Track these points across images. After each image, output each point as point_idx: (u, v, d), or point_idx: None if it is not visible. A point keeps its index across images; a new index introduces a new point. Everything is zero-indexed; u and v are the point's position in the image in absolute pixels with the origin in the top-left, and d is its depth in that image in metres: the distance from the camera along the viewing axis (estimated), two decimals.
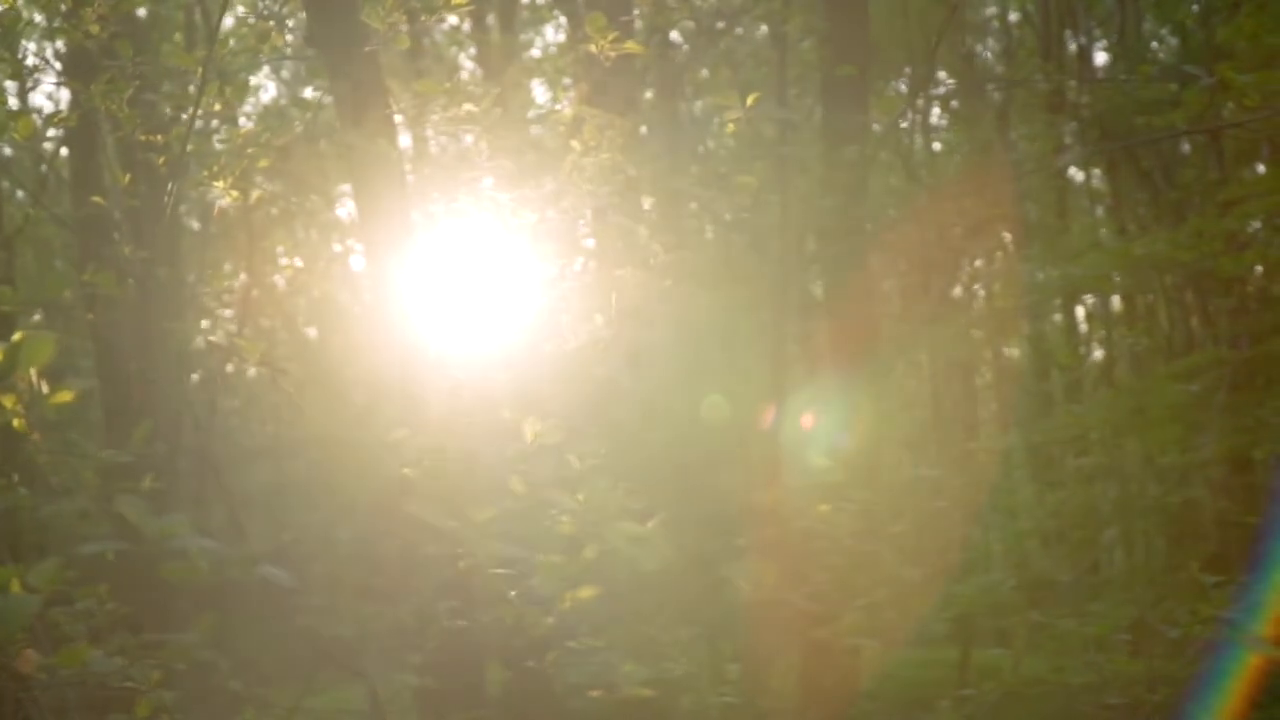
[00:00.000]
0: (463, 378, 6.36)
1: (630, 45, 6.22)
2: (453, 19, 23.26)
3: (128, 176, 6.44)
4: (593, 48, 6.12)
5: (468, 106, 6.06)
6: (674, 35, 20.53)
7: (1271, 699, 8.42)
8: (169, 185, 5.94)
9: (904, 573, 7.69)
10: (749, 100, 5.88)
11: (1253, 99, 7.14)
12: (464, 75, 21.81)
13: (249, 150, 5.91)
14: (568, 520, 4.77)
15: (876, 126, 19.69)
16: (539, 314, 6.93)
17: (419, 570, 5.21)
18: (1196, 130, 8.41)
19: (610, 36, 6.17)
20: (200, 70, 5.62)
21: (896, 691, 11.06)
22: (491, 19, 20.58)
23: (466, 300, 7.37)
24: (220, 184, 5.86)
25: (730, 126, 6.11)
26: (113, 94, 5.76)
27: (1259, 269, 11.46)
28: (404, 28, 6.95)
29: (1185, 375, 11.66)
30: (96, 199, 6.64)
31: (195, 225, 22.61)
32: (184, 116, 6.25)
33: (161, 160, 5.92)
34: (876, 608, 7.49)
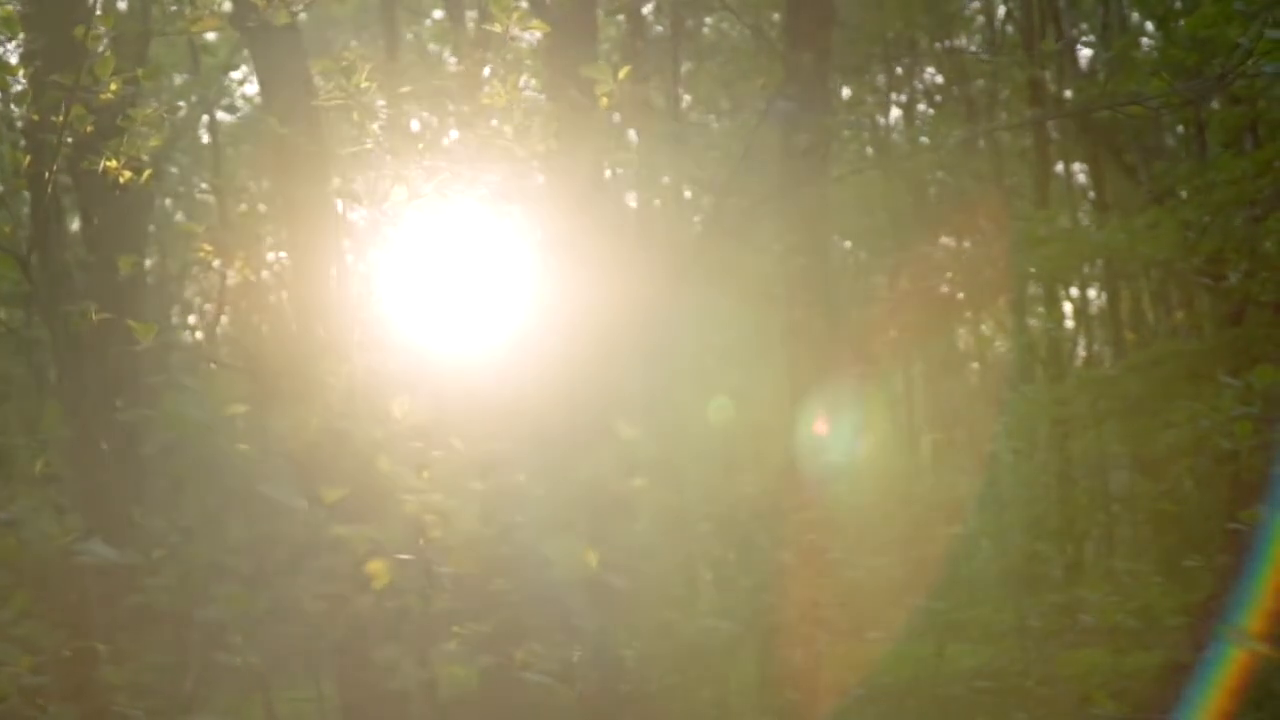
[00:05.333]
0: (377, 366, 6.26)
1: (537, 24, 6.10)
2: (437, 13, 23.15)
3: (28, 160, 6.33)
4: (496, 27, 6.00)
5: (361, 84, 5.94)
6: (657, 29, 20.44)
7: (1255, 694, 8.30)
8: (53, 164, 5.83)
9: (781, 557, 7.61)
10: (621, 74, 5.76)
11: (1162, 79, 7.03)
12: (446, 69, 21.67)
13: (142, 129, 5.83)
14: (410, 500, 4.68)
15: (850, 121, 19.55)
16: (473, 305, 6.85)
17: (276, 550, 5.11)
18: (1104, 106, 8.26)
19: (515, 15, 6.05)
20: (88, 46, 5.52)
21: (844, 684, 10.93)
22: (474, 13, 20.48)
23: (398, 290, 7.28)
24: (113, 163, 5.79)
25: (604, 101, 5.97)
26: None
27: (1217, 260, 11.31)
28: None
29: (1144, 367, 11.53)
30: None
31: (180, 217, 22.59)
32: (110, 96, 6.12)
33: (56, 142, 5.83)
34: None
